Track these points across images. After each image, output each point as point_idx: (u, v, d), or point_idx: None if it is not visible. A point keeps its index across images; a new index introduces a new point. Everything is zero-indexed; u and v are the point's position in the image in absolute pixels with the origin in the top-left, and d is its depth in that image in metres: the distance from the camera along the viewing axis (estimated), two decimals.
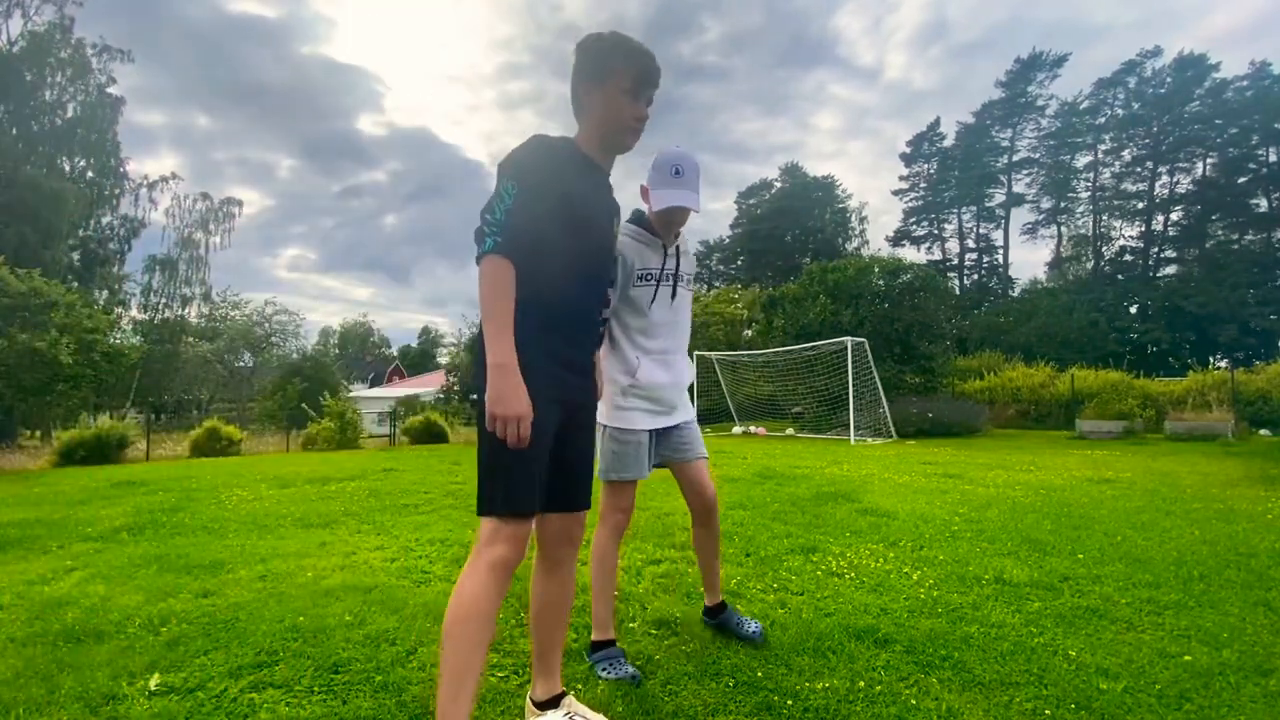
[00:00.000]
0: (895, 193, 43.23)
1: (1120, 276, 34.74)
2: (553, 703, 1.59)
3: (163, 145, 53.00)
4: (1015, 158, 38.75)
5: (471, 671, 1.31)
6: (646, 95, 1.56)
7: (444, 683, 1.30)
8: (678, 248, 2.06)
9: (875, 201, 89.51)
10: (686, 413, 2.16)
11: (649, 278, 1.99)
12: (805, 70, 71.10)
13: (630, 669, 1.90)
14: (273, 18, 66.10)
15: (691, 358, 16.48)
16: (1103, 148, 35.61)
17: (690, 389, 2.27)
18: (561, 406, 1.48)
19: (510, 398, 1.32)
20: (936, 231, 42.36)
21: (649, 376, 2.01)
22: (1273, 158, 30.65)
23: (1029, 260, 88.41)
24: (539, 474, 1.42)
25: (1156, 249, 34.87)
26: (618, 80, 1.52)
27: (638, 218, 2.04)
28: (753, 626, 2.17)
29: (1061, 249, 38.65)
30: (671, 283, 2.03)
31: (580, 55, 1.55)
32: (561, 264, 1.48)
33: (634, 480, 2.07)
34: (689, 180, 1.94)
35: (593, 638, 2.03)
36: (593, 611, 2.04)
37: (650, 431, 2.07)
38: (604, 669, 1.91)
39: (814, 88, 70.66)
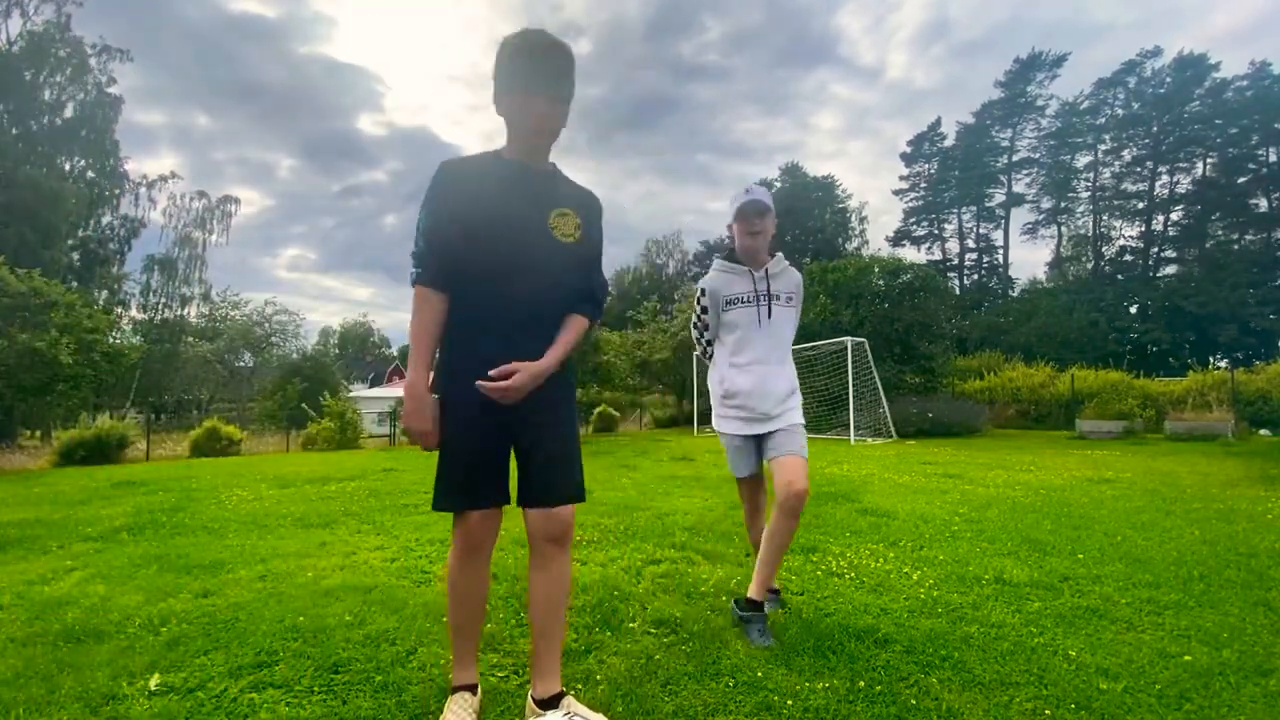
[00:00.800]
0: (895, 193, 43.28)
1: (1120, 276, 34.72)
2: (552, 702, 1.58)
3: (163, 145, 52.97)
4: (1015, 158, 38.75)
5: (465, 639, 1.64)
6: (544, 93, 1.50)
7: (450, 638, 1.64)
8: (766, 270, 2.35)
9: (876, 201, 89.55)
10: (785, 420, 2.33)
11: (736, 301, 2.35)
12: (806, 70, 71.20)
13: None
14: (272, 17, 66.11)
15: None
16: (1103, 148, 35.61)
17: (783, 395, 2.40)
18: (497, 406, 1.49)
19: (412, 416, 1.49)
20: (936, 231, 42.35)
21: (735, 385, 2.34)
22: (1273, 158, 30.64)
23: (1029, 260, 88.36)
24: (464, 476, 1.54)
25: (1156, 249, 34.86)
26: (509, 83, 1.52)
27: (727, 254, 2.41)
28: (767, 640, 2.14)
29: (1061, 249, 38.64)
30: (764, 302, 2.33)
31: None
32: (486, 271, 1.52)
33: (744, 477, 2.46)
34: (755, 193, 2.29)
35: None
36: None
37: (745, 436, 2.37)
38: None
39: (815, 87, 70.70)
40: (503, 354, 1.49)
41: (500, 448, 1.57)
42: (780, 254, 2.42)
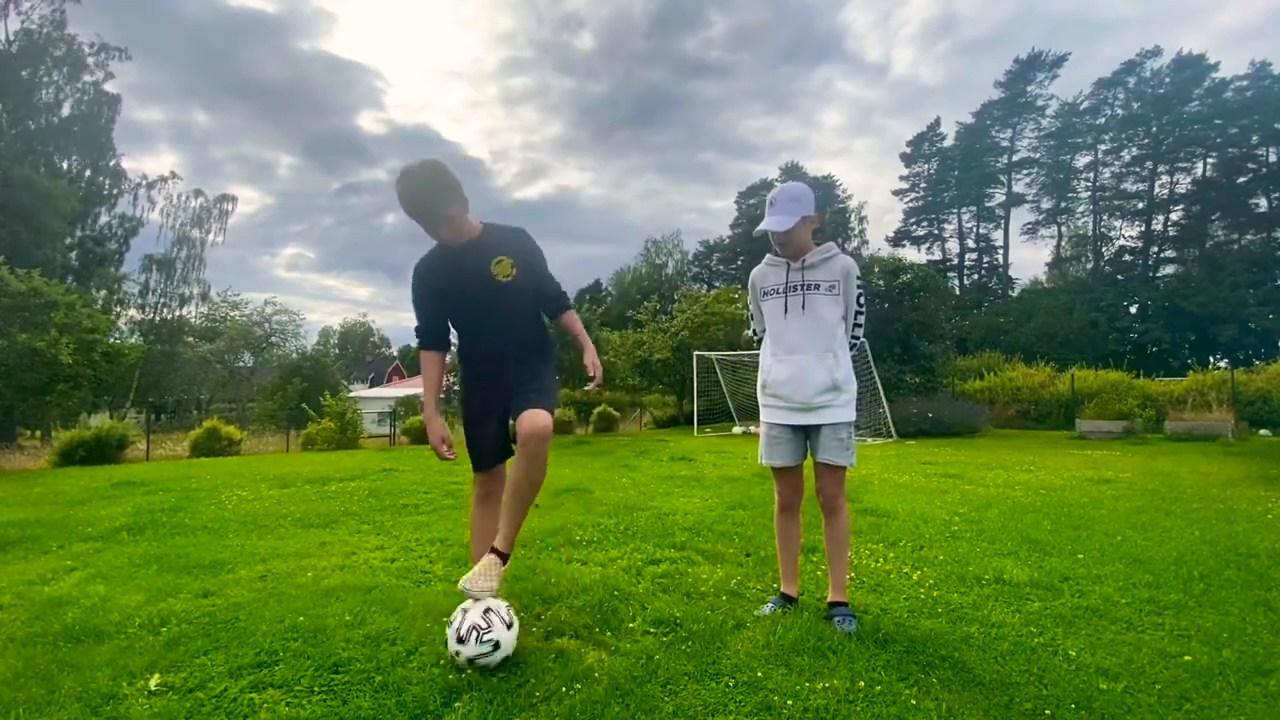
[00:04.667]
0: (895, 193, 43.25)
1: (1120, 276, 34.71)
2: (504, 556, 2.14)
3: (161, 143, 52.70)
4: (1015, 158, 38.73)
5: (480, 546, 2.30)
6: (429, 230, 2.15)
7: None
8: (804, 261, 2.38)
9: (880, 200, 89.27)
10: (827, 416, 2.32)
11: (771, 293, 2.44)
12: (811, 66, 70.80)
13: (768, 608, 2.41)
14: (272, 13, 65.63)
15: (710, 358, 16.69)
16: (1103, 148, 35.57)
17: (834, 388, 2.36)
18: (492, 413, 2.32)
19: (430, 434, 2.28)
20: (936, 231, 42.34)
21: (770, 375, 2.42)
22: (1273, 158, 30.64)
23: (1029, 260, 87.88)
24: (482, 450, 2.34)
25: (1156, 249, 34.87)
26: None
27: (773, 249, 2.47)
28: (849, 626, 2.26)
29: (1061, 249, 38.65)
30: (799, 292, 2.37)
31: None
32: (465, 324, 2.30)
33: (780, 465, 2.42)
34: (777, 207, 2.34)
35: (781, 589, 2.54)
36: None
37: (788, 426, 2.38)
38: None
39: (820, 84, 70.19)
40: (489, 371, 2.30)
41: (498, 430, 2.34)
42: (829, 244, 2.43)
